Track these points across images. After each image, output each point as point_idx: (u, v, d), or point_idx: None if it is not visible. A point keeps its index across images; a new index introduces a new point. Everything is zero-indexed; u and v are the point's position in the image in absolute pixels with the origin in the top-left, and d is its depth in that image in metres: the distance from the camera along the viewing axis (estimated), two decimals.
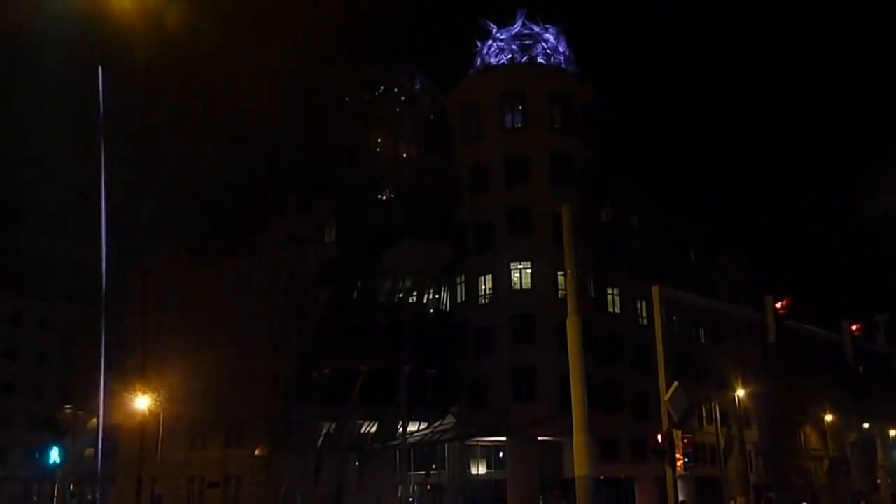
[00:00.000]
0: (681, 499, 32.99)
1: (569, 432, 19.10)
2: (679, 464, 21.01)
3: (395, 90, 58.81)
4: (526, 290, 51.64)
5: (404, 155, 57.81)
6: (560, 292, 47.21)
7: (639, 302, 58.44)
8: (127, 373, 51.11)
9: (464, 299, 54.01)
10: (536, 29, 57.55)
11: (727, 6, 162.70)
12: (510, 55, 57.06)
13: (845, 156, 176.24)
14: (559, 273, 46.66)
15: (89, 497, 58.21)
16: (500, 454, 51.65)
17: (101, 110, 14.06)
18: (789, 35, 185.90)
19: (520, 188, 52.73)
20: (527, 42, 57.15)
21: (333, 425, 52.55)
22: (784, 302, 24.58)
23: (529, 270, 51.74)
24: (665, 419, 21.26)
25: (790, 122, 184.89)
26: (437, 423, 51.64)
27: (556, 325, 35.84)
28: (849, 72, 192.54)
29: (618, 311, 58.03)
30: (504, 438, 50.28)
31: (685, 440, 21.31)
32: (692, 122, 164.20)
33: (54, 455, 18.49)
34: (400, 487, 50.00)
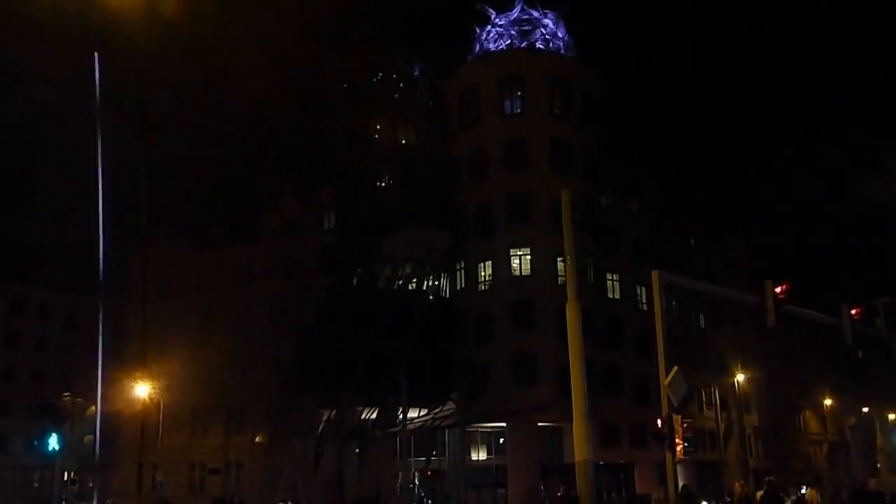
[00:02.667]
0: (682, 483, 32.99)
1: (569, 418, 19.12)
2: (679, 448, 20.97)
3: (394, 76, 58.65)
4: (525, 276, 51.61)
5: (403, 141, 57.72)
6: (560, 278, 47.20)
7: (638, 287, 58.44)
8: (127, 360, 51.26)
9: (463, 285, 54.00)
10: (535, 14, 57.33)
11: None
12: (509, 41, 56.86)
13: (845, 140, 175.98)
14: (559, 259, 46.63)
15: (90, 484, 58.36)
16: (501, 440, 51.77)
17: (97, 96, 13.99)
18: (790, 19, 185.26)
19: (519, 174, 52.62)
20: (526, 27, 56.93)
21: (333, 412, 52.66)
22: (783, 286, 24.51)
23: (529, 256, 51.70)
24: (665, 404, 21.22)
25: (790, 107, 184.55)
26: (438, 409, 51.75)
27: (556, 310, 35.90)
28: (849, 56, 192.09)
29: (617, 296, 58.03)
30: (504, 424, 50.37)
31: (685, 425, 21.27)
32: (692, 107, 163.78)
33: (53, 442, 18.51)
34: (400, 473, 50.16)
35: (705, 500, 47.58)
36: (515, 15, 57.35)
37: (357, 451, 51.79)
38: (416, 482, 51.87)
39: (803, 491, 46.38)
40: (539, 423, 49.53)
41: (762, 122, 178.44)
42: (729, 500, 42.97)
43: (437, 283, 55.84)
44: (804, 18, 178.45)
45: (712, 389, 56.95)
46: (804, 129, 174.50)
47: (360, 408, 52.24)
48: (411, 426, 48.31)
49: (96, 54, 15.19)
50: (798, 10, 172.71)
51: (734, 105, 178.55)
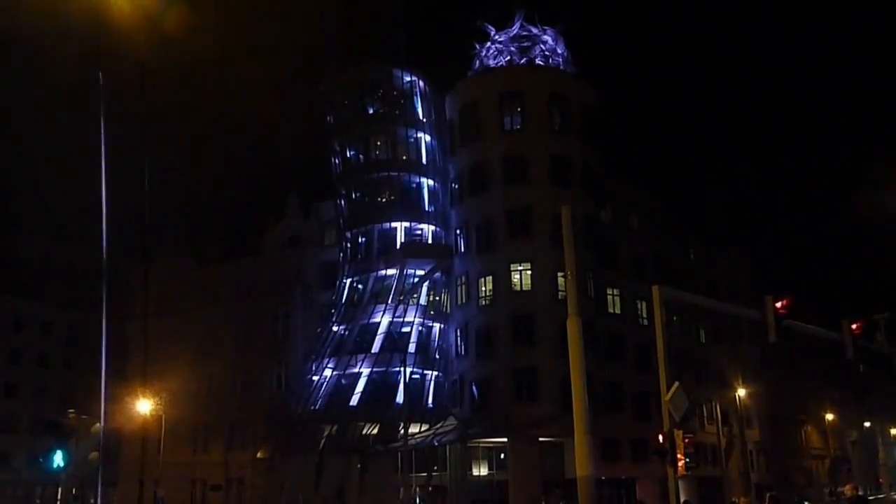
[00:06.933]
0: (683, 499, 32.90)
1: (570, 433, 19.16)
2: (680, 464, 20.94)
3: (395, 93, 58.83)
4: (526, 290, 51.65)
5: (404, 157, 57.84)
6: (560, 293, 47.27)
7: (639, 302, 58.51)
8: (129, 376, 51.31)
9: (464, 301, 54.04)
10: (535, 31, 57.58)
11: (726, 6, 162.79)
12: (509, 57, 57.11)
13: (845, 155, 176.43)
14: (559, 274, 46.76)
15: (92, 500, 58.33)
16: (502, 455, 51.67)
17: (102, 115, 14.13)
18: (789, 35, 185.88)
19: (519, 189, 52.75)
20: (525, 44, 57.19)
21: (335, 427, 52.63)
22: (784, 301, 24.47)
23: (529, 271, 51.74)
24: (666, 419, 21.21)
25: (790, 122, 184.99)
26: (439, 424, 51.71)
27: (557, 325, 35.86)
28: (848, 71, 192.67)
29: (618, 311, 58.09)
30: (505, 439, 50.32)
31: (686, 440, 21.21)
32: (691, 122, 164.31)
33: (58, 459, 18.58)
34: (402, 489, 50.08)
35: None
36: (515, 31, 57.61)
37: (358, 466, 51.72)
38: (418, 498, 51.77)
39: None
40: (540, 439, 49.48)
41: (762, 136, 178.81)
42: None
43: (437, 298, 55.90)
44: (805, 35, 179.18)
45: (713, 404, 56.86)
46: (804, 143, 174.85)
47: (361, 423, 52.23)
48: (412, 442, 48.27)
49: (100, 74, 15.33)
50: (800, 27, 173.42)
51: (734, 120, 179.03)
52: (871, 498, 63.11)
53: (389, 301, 54.52)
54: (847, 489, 21.63)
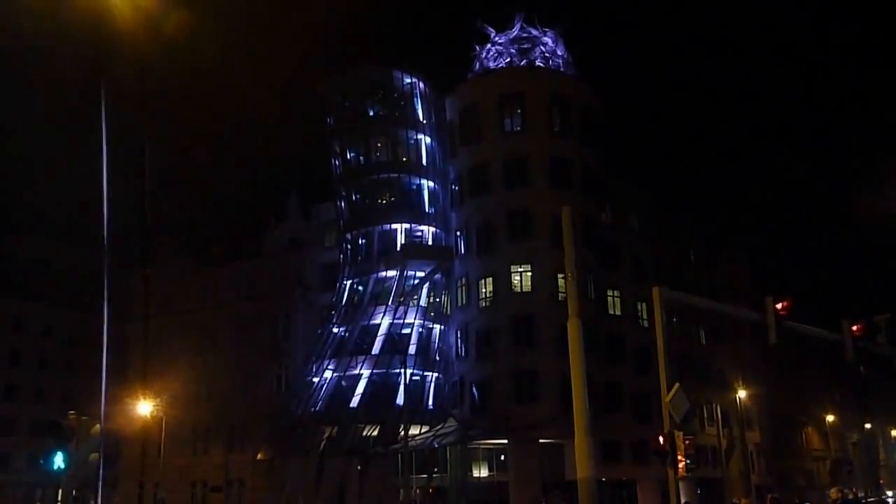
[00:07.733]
0: (684, 500, 32.88)
1: (570, 434, 19.17)
2: (681, 465, 20.93)
3: (395, 94, 58.86)
4: (526, 292, 51.65)
5: (404, 159, 57.87)
6: (560, 294, 47.23)
7: (639, 303, 58.53)
8: (129, 377, 51.29)
9: (465, 302, 54.06)
10: (535, 32, 57.62)
11: (726, 7, 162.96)
12: (509, 59, 57.14)
13: (845, 156, 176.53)
14: (559, 275, 46.71)
15: (92, 502, 58.35)
16: (502, 457, 51.69)
17: (104, 123, 14.13)
18: (789, 36, 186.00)
19: (520, 191, 52.76)
20: (525, 46, 57.23)
21: (335, 429, 52.62)
22: (785, 303, 24.45)
23: (530, 273, 51.75)
24: (666, 420, 21.20)
25: (790, 123, 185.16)
26: (439, 426, 51.71)
27: (557, 327, 35.87)
28: (848, 72, 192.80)
29: (618, 312, 58.12)
30: (506, 441, 50.33)
31: (687, 442, 21.18)
32: (691, 124, 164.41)
33: (58, 460, 18.60)
34: (402, 491, 50.09)
35: None
36: (515, 33, 57.64)
37: (358, 468, 51.70)
38: (418, 499, 51.81)
39: None
40: (540, 440, 49.48)
41: (763, 138, 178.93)
42: None
43: (437, 299, 55.94)
44: (806, 35, 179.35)
45: (714, 405, 56.89)
46: (804, 144, 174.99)
47: (362, 425, 52.25)
48: (412, 443, 48.27)
49: (102, 81, 15.31)
50: (801, 28, 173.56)
51: (734, 121, 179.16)
52: (871, 499, 63.20)
53: (390, 302, 54.56)
54: (832, 492, 21.49)
